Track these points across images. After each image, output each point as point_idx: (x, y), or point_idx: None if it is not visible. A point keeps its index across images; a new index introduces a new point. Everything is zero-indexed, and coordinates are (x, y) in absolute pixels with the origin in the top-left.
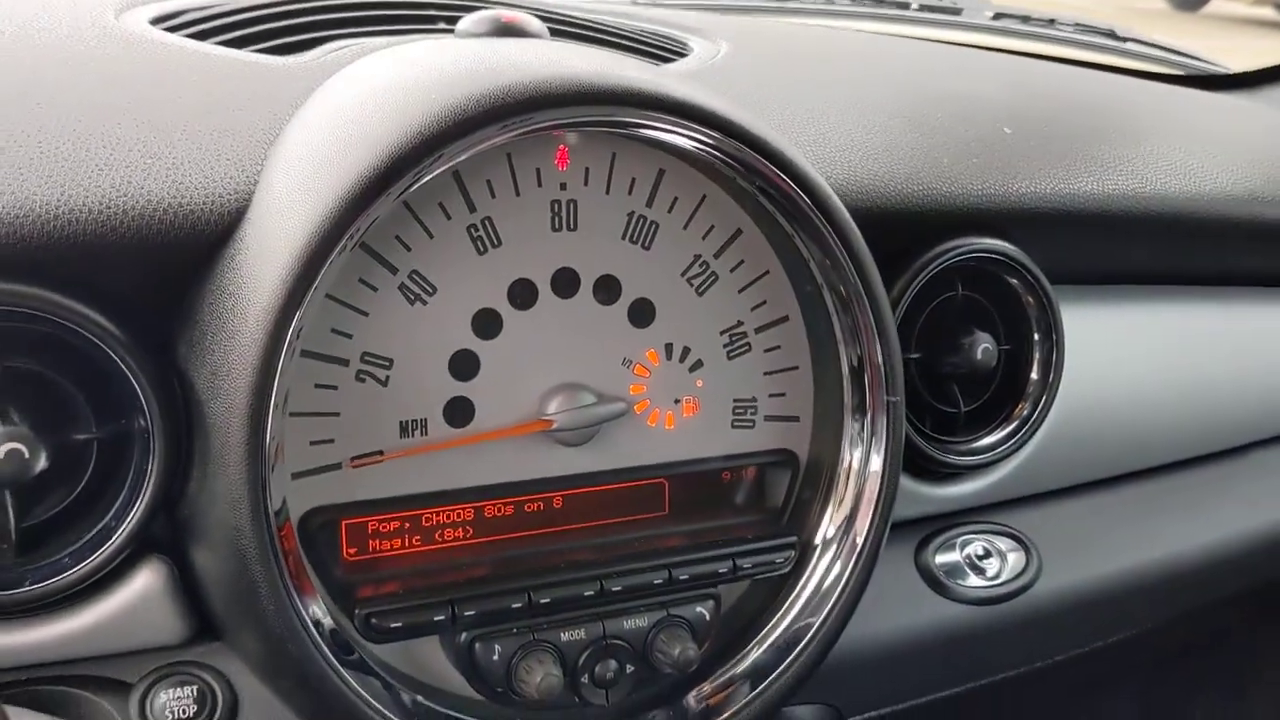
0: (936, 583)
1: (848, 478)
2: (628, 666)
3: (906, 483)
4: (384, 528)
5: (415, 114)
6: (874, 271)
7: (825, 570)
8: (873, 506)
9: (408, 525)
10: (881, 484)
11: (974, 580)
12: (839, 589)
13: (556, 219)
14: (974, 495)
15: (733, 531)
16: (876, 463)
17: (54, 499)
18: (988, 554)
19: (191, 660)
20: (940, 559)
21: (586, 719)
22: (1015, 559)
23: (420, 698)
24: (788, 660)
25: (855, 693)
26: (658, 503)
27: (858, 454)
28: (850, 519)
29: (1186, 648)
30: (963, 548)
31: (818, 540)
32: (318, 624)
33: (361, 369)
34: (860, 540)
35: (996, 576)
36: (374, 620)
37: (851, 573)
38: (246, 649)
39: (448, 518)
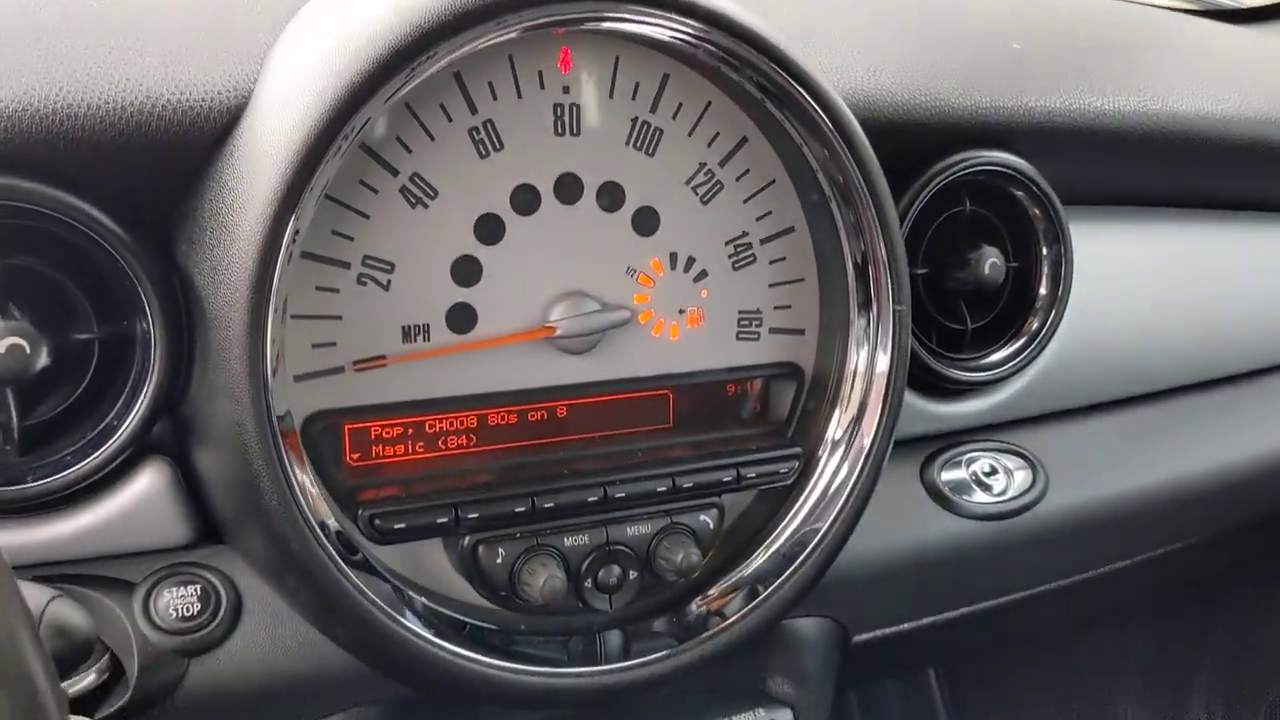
0: (943, 498)
1: (854, 380)
2: (631, 573)
3: (913, 399)
4: (387, 433)
5: (413, 9)
6: (874, 164)
7: (832, 474)
8: (879, 408)
9: (410, 431)
10: (888, 386)
11: (980, 496)
12: (845, 493)
13: (559, 123)
14: (980, 414)
15: (737, 443)
16: (883, 363)
17: (56, 398)
18: (994, 471)
19: (195, 562)
20: (946, 476)
21: (591, 625)
22: (1022, 477)
23: (426, 600)
24: (792, 567)
25: (861, 608)
26: (662, 415)
27: (864, 355)
28: (857, 421)
29: (1196, 585)
30: (969, 465)
31: (824, 444)
32: (322, 524)
33: (363, 272)
34: (867, 442)
35: (1003, 493)
36: (377, 521)
37: (858, 476)
38: (250, 549)
39: (451, 425)
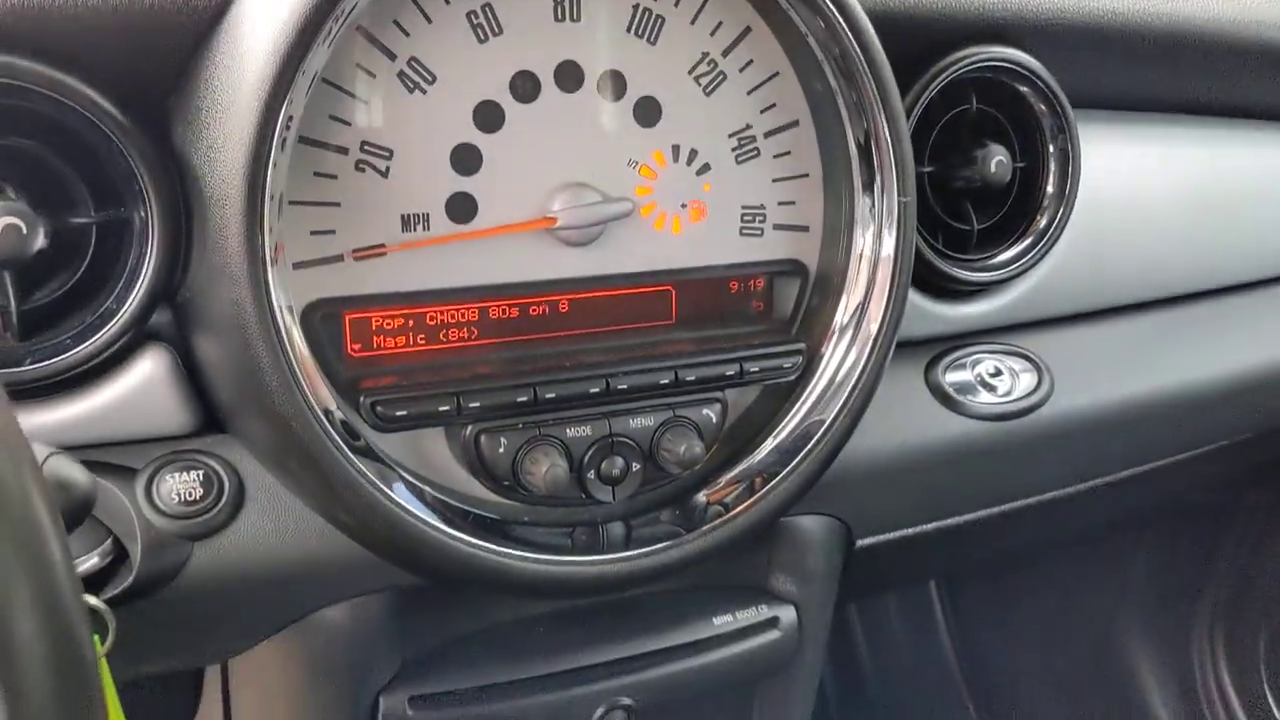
0: (948, 399)
1: (859, 264)
2: (634, 465)
3: (918, 300)
4: (388, 324)
5: None
6: (873, 38)
7: (838, 363)
8: (886, 291)
9: (412, 323)
10: (894, 268)
11: (985, 397)
12: (851, 382)
13: (559, 8)
14: (985, 316)
15: (740, 340)
16: (889, 244)
17: (55, 284)
18: (999, 373)
19: (197, 449)
20: (951, 377)
21: (594, 517)
22: (1027, 379)
23: (430, 489)
24: (796, 460)
25: (865, 508)
26: (664, 311)
27: (869, 238)
28: (863, 307)
29: (1202, 505)
30: (974, 366)
31: (829, 334)
32: (325, 410)
33: (361, 158)
34: (874, 328)
35: (1008, 394)
36: (379, 409)
37: (865, 363)
38: (252, 434)
39: (452, 317)
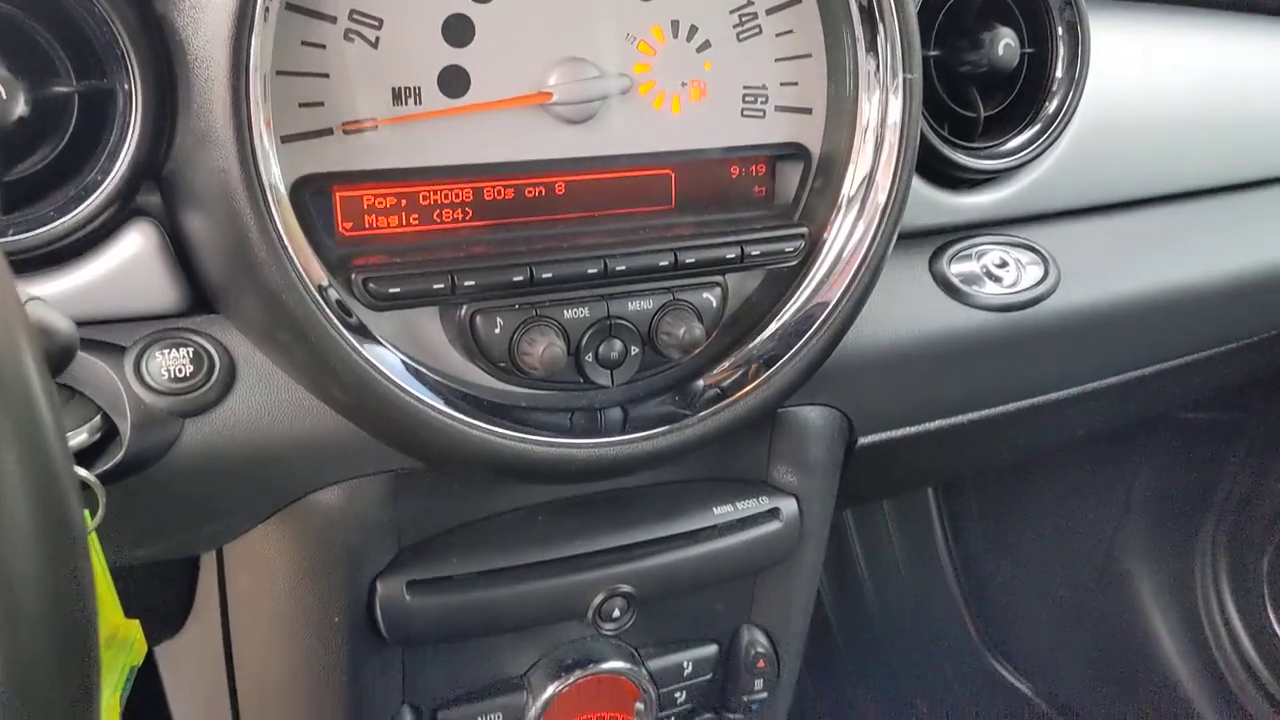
0: (953, 289)
1: (866, 134)
2: (632, 348)
3: (923, 188)
4: (380, 203)
5: None
6: None
7: (844, 239)
8: (894, 159)
9: (405, 202)
10: (901, 135)
11: (990, 288)
12: (859, 257)
13: None
14: (992, 206)
15: (742, 224)
16: (895, 112)
17: (37, 156)
18: (1004, 264)
19: (186, 328)
20: (956, 268)
21: (593, 402)
22: (1033, 271)
23: (426, 370)
24: (799, 343)
25: (867, 400)
26: (663, 195)
27: (875, 104)
28: (870, 176)
29: (1209, 423)
30: (979, 257)
31: (835, 211)
32: (319, 286)
33: (350, 28)
34: (882, 198)
35: (1014, 285)
36: (371, 285)
37: (873, 237)
38: (243, 311)
39: (446, 197)
